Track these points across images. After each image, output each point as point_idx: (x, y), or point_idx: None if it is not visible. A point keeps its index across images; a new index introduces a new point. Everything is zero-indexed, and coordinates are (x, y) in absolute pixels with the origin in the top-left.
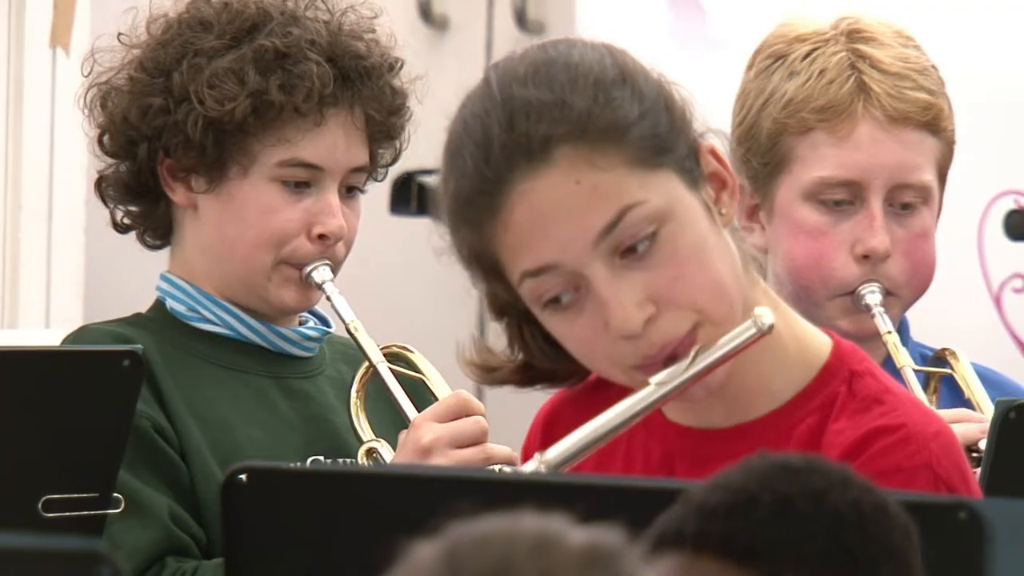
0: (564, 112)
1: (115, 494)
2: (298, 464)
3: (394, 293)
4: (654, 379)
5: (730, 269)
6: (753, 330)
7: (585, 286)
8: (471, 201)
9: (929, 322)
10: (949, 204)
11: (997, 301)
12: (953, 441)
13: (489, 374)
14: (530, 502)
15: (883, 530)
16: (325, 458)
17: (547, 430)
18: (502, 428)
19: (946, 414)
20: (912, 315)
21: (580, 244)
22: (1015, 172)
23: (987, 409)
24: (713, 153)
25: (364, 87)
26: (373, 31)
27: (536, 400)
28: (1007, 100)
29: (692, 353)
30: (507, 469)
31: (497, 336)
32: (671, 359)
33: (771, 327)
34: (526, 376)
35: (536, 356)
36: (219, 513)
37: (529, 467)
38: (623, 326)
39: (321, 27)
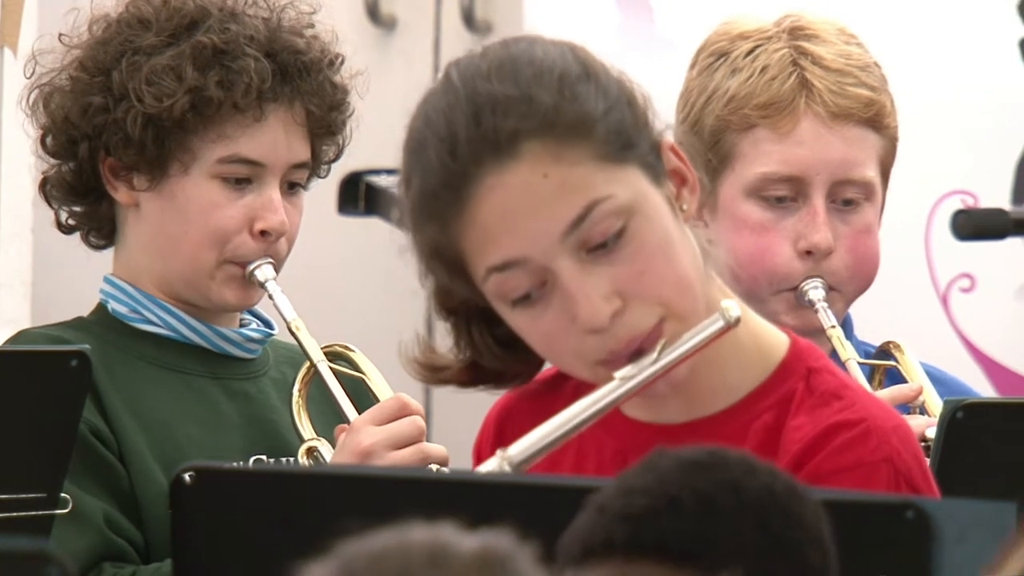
0: (531, 107)
1: (63, 494)
2: (242, 463)
3: (342, 293)
4: (619, 374)
5: (693, 264)
6: (720, 323)
7: (552, 281)
8: (436, 196)
9: (876, 321)
10: (896, 204)
11: (944, 301)
12: (911, 435)
13: (434, 373)
14: (475, 501)
15: (799, 509)
16: (267, 458)
17: (500, 427)
18: (449, 428)
19: (883, 394)
20: (859, 314)
21: (548, 238)
22: (962, 172)
23: (933, 400)
24: (673, 150)
25: (303, 82)
26: (312, 26)
27: (483, 400)
28: (955, 100)
29: (658, 347)
30: (445, 469)
31: (445, 336)
32: (637, 354)
33: (738, 320)
34: (472, 376)
35: (484, 355)
36: (159, 515)
37: (491, 463)
38: (590, 320)
39: (260, 23)
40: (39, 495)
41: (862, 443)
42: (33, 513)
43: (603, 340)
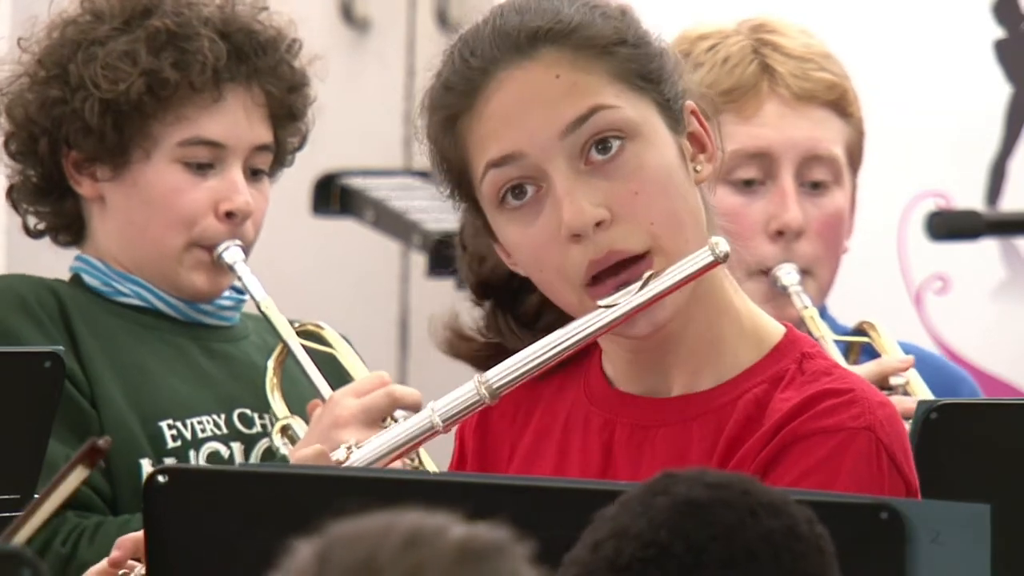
0: (557, 16)
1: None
2: (224, 415)
3: (315, 294)
4: (602, 302)
5: (692, 213)
6: (709, 257)
7: (547, 186)
8: (452, 89)
9: (850, 321)
10: (870, 204)
11: (917, 302)
12: (897, 415)
13: (460, 342)
14: (448, 497)
15: (797, 558)
16: (251, 412)
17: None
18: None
19: (870, 365)
20: (832, 313)
21: (547, 135)
22: (936, 173)
23: (915, 380)
24: (696, 115)
25: (260, 61)
26: (266, 8)
27: (459, 373)
28: (929, 102)
29: (644, 277)
30: (410, 409)
31: (419, 333)
32: (622, 285)
33: (726, 255)
34: (489, 356)
35: (507, 337)
36: (127, 463)
37: (468, 389)
38: (573, 221)
39: (214, 8)
40: (12, 496)
41: (845, 409)
42: (7, 514)
43: (584, 249)
